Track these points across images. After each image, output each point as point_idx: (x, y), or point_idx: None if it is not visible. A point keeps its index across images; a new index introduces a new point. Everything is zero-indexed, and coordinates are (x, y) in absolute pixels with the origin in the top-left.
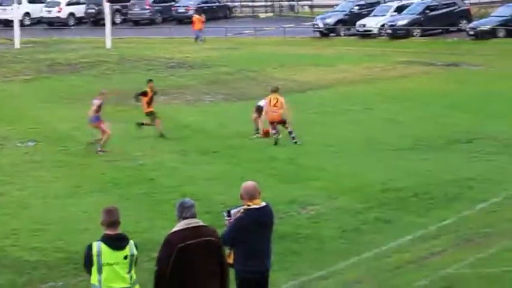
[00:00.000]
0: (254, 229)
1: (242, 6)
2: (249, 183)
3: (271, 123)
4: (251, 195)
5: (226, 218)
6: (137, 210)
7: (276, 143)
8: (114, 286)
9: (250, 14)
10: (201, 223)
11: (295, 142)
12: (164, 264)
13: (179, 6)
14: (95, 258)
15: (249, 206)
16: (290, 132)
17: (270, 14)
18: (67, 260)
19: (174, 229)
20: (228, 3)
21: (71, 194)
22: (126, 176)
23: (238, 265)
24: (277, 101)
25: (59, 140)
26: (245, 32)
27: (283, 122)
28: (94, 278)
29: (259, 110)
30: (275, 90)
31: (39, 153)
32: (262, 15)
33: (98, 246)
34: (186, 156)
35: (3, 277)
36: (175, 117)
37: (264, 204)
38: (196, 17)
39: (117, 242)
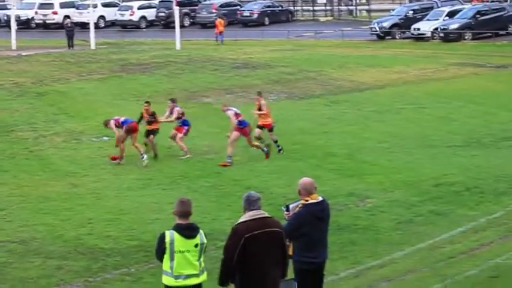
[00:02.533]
0: (312, 223)
1: (303, 10)
2: (306, 180)
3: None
4: (308, 191)
5: (285, 212)
6: (204, 202)
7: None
8: (185, 272)
9: (311, 18)
10: (266, 214)
11: (280, 150)
12: (231, 253)
13: (244, 10)
14: (167, 246)
15: (306, 201)
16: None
17: (330, 18)
18: (139, 247)
19: (241, 220)
20: (290, 8)
21: (143, 186)
22: (194, 169)
23: (296, 256)
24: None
25: None
26: (306, 34)
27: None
28: (166, 264)
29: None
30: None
31: (113, 148)
32: (322, 19)
33: (171, 234)
34: (249, 151)
35: (80, 264)
36: None
37: (320, 198)
38: (218, 20)
39: (189, 231)
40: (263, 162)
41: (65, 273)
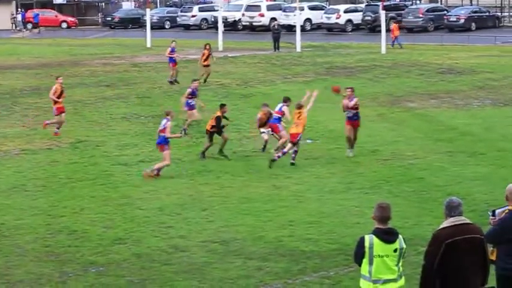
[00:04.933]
0: None
1: (511, 16)
2: None
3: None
4: None
5: (491, 217)
6: (406, 207)
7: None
8: (383, 277)
9: None
10: (467, 221)
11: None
12: (432, 259)
13: (451, 15)
14: (367, 250)
15: None
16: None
17: None
18: (339, 251)
19: (442, 226)
20: (498, 13)
21: (344, 189)
22: (396, 174)
23: (499, 262)
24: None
25: (333, 138)
26: None
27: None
28: (364, 268)
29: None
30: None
31: (316, 151)
32: None
33: (370, 239)
34: (453, 157)
35: (280, 265)
36: (444, 120)
37: None
38: (394, 25)
39: (388, 236)
40: (467, 168)
41: (264, 274)
